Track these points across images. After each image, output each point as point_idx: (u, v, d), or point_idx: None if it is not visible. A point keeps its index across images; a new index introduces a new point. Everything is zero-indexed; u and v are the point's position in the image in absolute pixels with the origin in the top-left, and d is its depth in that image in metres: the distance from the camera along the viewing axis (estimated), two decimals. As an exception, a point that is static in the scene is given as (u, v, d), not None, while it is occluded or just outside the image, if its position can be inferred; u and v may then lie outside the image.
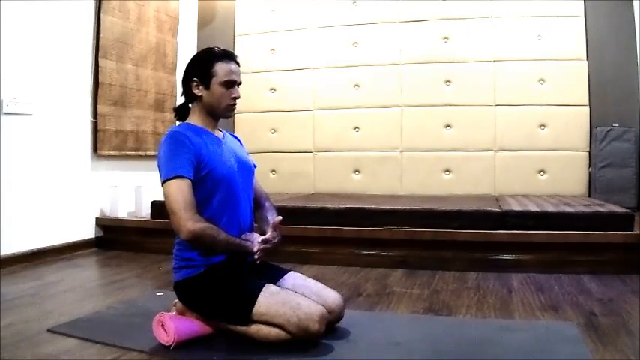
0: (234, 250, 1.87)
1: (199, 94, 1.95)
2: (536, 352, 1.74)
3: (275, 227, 1.96)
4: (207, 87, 1.93)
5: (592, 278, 2.80)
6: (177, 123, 2.04)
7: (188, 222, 1.76)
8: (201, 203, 1.85)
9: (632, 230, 3.01)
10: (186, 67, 2.00)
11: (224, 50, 2.00)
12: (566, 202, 3.61)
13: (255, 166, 2.12)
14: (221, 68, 1.93)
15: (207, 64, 1.93)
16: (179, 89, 4.67)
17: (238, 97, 1.98)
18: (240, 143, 2.17)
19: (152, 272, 3.12)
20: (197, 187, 1.85)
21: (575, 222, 3.08)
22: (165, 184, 1.81)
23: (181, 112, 2.03)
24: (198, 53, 2.03)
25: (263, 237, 1.91)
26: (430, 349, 1.79)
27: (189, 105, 2.02)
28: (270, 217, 2.05)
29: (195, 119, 1.99)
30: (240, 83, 2.00)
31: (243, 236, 1.92)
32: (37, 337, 1.90)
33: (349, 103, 4.87)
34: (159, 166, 1.87)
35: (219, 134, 2.03)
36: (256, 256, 1.88)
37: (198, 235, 1.78)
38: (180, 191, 1.79)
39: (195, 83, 1.94)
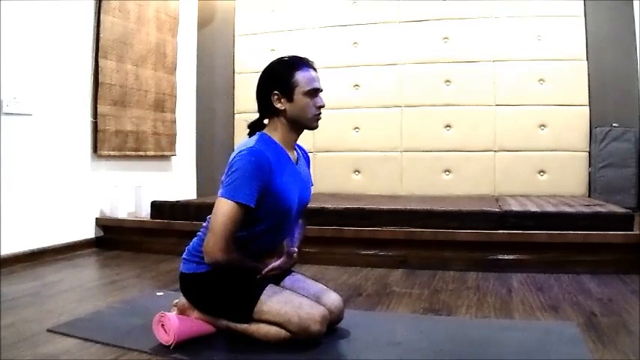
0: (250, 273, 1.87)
1: (282, 107, 1.84)
2: (536, 352, 1.74)
3: (291, 256, 1.94)
4: (290, 99, 1.83)
5: (592, 278, 2.80)
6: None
7: (220, 252, 1.74)
8: (249, 223, 1.80)
9: (632, 230, 3.01)
10: (262, 81, 1.88)
11: (300, 57, 1.89)
12: (566, 202, 3.61)
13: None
14: (303, 77, 1.83)
15: (287, 74, 1.83)
16: (179, 89, 4.78)
17: (323, 106, 1.88)
18: (308, 163, 2.11)
19: (152, 272, 3.12)
20: (254, 208, 1.78)
21: (575, 222, 3.08)
22: (222, 200, 1.75)
23: (256, 129, 1.93)
24: (272, 65, 1.89)
25: (273, 265, 1.88)
26: (430, 349, 1.79)
27: (265, 121, 1.92)
28: (296, 233, 2.04)
29: (276, 135, 1.88)
30: (322, 90, 1.89)
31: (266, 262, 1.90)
32: (36, 337, 1.89)
33: (349, 103, 4.86)
34: (227, 174, 1.78)
35: (293, 155, 1.95)
36: (258, 277, 1.86)
37: (221, 264, 1.78)
38: (231, 218, 1.74)
39: (276, 97, 1.83)
